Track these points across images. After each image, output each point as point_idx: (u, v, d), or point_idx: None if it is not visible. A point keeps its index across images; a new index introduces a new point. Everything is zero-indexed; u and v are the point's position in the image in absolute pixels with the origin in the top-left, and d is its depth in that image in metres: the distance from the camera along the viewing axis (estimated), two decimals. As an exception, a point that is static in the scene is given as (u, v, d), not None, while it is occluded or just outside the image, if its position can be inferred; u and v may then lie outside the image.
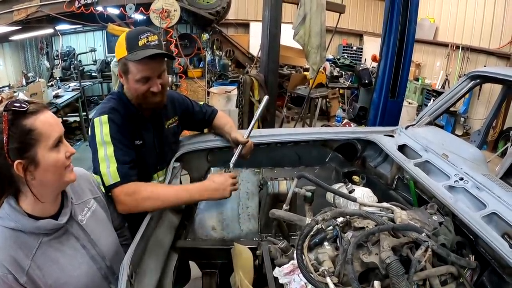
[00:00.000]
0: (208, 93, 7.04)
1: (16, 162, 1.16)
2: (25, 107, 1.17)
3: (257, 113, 2.15)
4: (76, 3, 6.12)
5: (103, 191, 1.70)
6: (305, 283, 1.29)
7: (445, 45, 9.60)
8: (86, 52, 10.19)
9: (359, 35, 13.56)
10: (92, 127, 1.76)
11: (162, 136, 2.03)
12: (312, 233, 1.34)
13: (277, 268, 1.43)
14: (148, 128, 1.94)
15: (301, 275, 1.28)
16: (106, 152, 1.70)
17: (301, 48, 5.66)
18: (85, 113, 8.06)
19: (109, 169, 1.68)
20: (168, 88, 2.03)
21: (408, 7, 3.78)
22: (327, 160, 2.53)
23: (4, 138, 1.14)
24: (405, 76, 3.91)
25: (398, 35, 3.77)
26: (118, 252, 1.59)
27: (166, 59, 1.84)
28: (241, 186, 2.24)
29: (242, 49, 9.35)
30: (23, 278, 1.22)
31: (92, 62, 10.95)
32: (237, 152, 2.08)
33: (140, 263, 1.52)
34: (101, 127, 1.74)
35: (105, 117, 1.75)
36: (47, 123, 1.22)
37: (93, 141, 1.75)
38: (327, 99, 8.68)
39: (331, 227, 1.35)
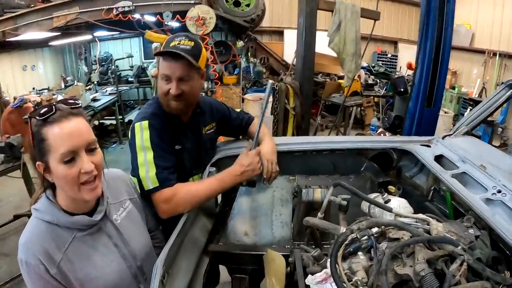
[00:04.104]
0: (243, 99, 7.11)
1: (38, 162, 1.25)
2: (44, 116, 1.20)
3: (264, 101, 2.07)
4: (114, 10, 6.31)
5: (142, 196, 1.75)
6: None
7: (482, 52, 9.37)
8: (123, 58, 10.47)
9: (394, 42, 13.37)
10: (133, 131, 1.81)
11: (200, 141, 2.07)
12: (346, 242, 1.33)
13: (309, 276, 1.41)
14: (186, 134, 1.97)
15: (333, 284, 1.26)
16: (146, 157, 1.74)
17: (335, 55, 5.65)
18: (121, 117, 8.31)
19: (148, 174, 1.72)
20: (203, 94, 2.08)
21: (444, 13, 3.72)
22: (362, 169, 2.50)
23: (30, 139, 1.24)
24: (441, 84, 3.84)
25: (435, 42, 3.70)
26: (149, 254, 1.63)
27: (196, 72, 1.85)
28: (275, 193, 2.28)
29: (276, 56, 9.41)
30: (54, 269, 1.27)
31: (129, 68, 11.24)
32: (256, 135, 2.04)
33: (173, 264, 1.55)
34: (142, 133, 1.78)
35: (145, 123, 1.80)
36: (58, 136, 1.21)
37: (133, 145, 1.80)
38: (362, 108, 8.59)
39: (366, 237, 1.34)
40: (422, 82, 3.84)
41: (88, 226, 1.37)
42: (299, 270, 1.50)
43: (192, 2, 6.12)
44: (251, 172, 1.87)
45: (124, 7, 6.25)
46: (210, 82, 6.70)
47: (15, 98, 8.12)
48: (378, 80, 9.65)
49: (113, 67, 10.05)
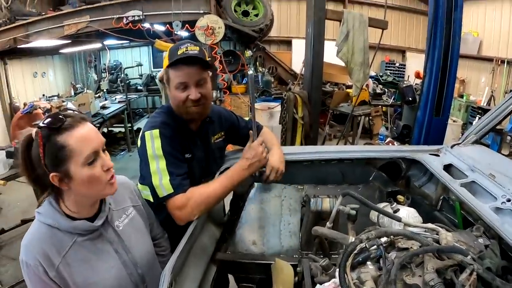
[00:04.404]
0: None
1: (52, 174, 1.26)
2: (58, 124, 1.24)
3: (250, 92, 2.08)
4: (124, 19, 6.42)
5: (152, 201, 1.78)
6: None
7: (489, 59, 9.38)
8: (132, 67, 10.67)
9: (402, 51, 13.38)
10: (143, 140, 1.83)
11: (208, 150, 2.09)
12: (355, 251, 1.33)
13: (318, 285, 1.42)
14: (196, 143, 2.00)
15: None
16: (159, 166, 1.76)
17: (344, 65, 5.68)
18: (130, 125, 8.41)
19: (162, 181, 1.73)
20: (212, 103, 2.10)
21: (451, 21, 3.72)
22: (370, 178, 2.50)
23: (41, 152, 1.24)
24: (450, 93, 3.82)
25: (443, 50, 3.69)
26: (151, 262, 1.66)
27: (209, 73, 1.91)
28: (284, 202, 2.27)
29: (284, 66, 9.48)
30: (53, 272, 1.30)
31: (138, 76, 11.37)
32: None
33: (180, 272, 1.55)
34: (153, 141, 1.80)
35: (156, 131, 1.81)
36: (80, 140, 1.27)
37: (143, 154, 1.81)
38: (370, 117, 8.57)
39: (374, 247, 1.33)
40: (430, 91, 3.82)
41: (89, 231, 1.40)
42: (307, 280, 1.50)
43: (201, 12, 6.19)
44: (258, 163, 1.93)
45: (134, 16, 6.35)
46: (219, 91, 6.75)
47: (25, 104, 8.27)
48: (386, 90, 9.63)
49: (122, 75, 10.19)
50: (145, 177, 1.80)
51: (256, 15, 7.15)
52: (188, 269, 1.65)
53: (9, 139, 8.17)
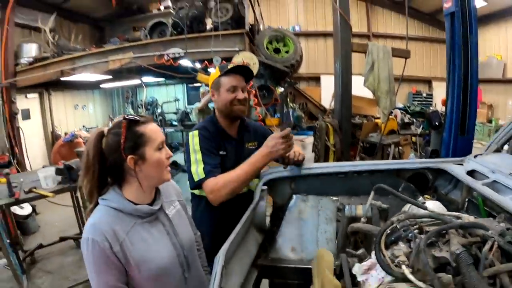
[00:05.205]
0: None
1: (129, 157, 1.55)
2: (138, 119, 1.59)
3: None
4: (166, 56, 6.85)
5: (191, 188, 2.33)
6: (382, 278, 1.38)
7: (515, 81, 9.17)
8: (170, 102, 11.23)
9: (428, 81, 13.49)
10: (187, 139, 2.40)
11: (242, 152, 2.48)
12: (388, 231, 1.48)
13: (356, 264, 1.54)
14: (231, 143, 2.44)
15: (378, 271, 1.40)
16: (196, 157, 2.27)
17: (371, 97, 5.86)
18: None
19: (198, 169, 2.23)
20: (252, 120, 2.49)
21: (468, 44, 3.90)
22: (400, 189, 2.58)
23: (122, 138, 1.54)
24: (473, 111, 3.94)
25: (462, 70, 3.86)
26: (193, 249, 1.91)
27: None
28: (320, 212, 2.43)
29: (314, 101, 9.70)
30: (117, 247, 1.49)
31: (174, 112, 11.78)
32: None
33: (229, 262, 1.69)
34: (193, 139, 2.34)
35: (196, 132, 2.36)
36: (153, 131, 1.62)
37: (187, 149, 2.36)
38: (399, 146, 8.61)
39: (404, 228, 1.47)
40: (454, 111, 3.95)
41: (148, 214, 1.65)
42: (346, 271, 1.58)
43: (237, 49, 6.59)
44: (276, 152, 2.22)
45: (175, 53, 6.78)
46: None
47: (66, 133, 8.82)
48: (414, 120, 9.66)
49: (160, 109, 10.66)
50: (187, 167, 2.30)
51: (287, 52, 7.42)
52: (235, 262, 1.80)
53: (48, 163, 8.72)
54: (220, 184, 2.17)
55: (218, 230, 2.22)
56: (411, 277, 1.25)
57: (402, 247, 1.44)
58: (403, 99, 13.12)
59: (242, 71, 2.41)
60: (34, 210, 6.39)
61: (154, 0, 11.49)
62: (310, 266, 1.86)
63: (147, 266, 1.57)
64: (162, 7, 11.06)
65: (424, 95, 13.18)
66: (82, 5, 10.63)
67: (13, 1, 7.60)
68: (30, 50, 8.42)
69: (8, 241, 4.35)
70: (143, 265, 1.57)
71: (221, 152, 2.40)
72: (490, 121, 9.72)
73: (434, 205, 1.88)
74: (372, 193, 1.92)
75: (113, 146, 1.56)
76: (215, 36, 6.63)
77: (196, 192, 2.46)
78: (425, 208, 1.71)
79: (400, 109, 9.67)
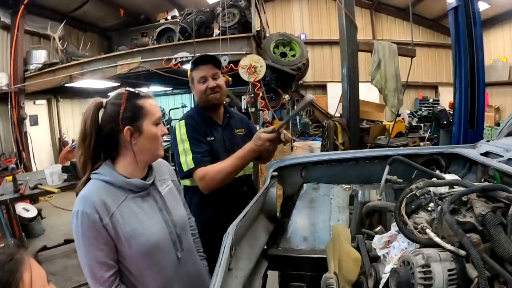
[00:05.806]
0: (292, 147, 7.35)
1: (126, 127, 1.54)
2: (138, 92, 1.63)
3: (295, 109, 2.37)
4: (173, 60, 6.90)
5: (180, 178, 2.26)
6: (405, 248, 1.30)
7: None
8: (177, 108, 11.39)
9: (435, 87, 13.50)
10: (174, 129, 2.41)
11: (231, 136, 2.51)
12: (407, 197, 1.40)
13: (376, 236, 1.47)
14: (217, 129, 2.49)
15: (400, 241, 1.33)
16: (184, 147, 2.27)
17: (378, 102, 5.83)
18: (173, 163, 8.65)
19: (187, 159, 2.24)
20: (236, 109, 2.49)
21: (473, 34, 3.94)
22: (413, 176, 2.51)
23: (122, 108, 1.55)
24: (481, 104, 3.94)
25: (469, 62, 3.88)
26: (186, 227, 1.86)
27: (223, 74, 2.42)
28: (332, 201, 2.41)
29: (321, 109, 9.69)
30: (107, 219, 1.46)
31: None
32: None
33: (238, 244, 1.60)
34: (180, 129, 2.34)
35: (182, 122, 2.37)
36: (152, 105, 1.63)
37: (174, 139, 2.35)
38: (408, 149, 8.54)
39: (424, 196, 1.42)
40: (462, 104, 3.96)
41: (140, 189, 1.62)
42: (363, 251, 1.52)
43: (244, 52, 6.61)
44: (261, 148, 2.15)
45: (182, 57, 6.82)
46: (262, 126, 7.00)
47: (73, 140, 8.88)
48: (422, 125, 9.66)
49: (168, 116, 10.74)
50: (176, 159, 2.32)
51: (293, 56, 7.46)
52: (245, 246, 1.71)
53: (55, 168, 8.78)
54: (211, 174, 2.18)
55: (218, 218, 2.20)
56: (438, 239, 1.18)
57: (423, 215, 1.39)
58: (410, 105, 13.09)
59: (209, 60, 2.44)
60: (39, 213, 6.42)
61: (161, 10, 11.66)
62: (323, 256, 1.80)
63: (137, 241, 1.54)
64: (169, 17, 11.20)
65: (431, 100, 13.12)
66: (91, 14, 10.81)
67: (23, 8, 7.74)
68: (39, 56, 8.56)
69: (12, 241, 4.40)
70: (134, 239, 1.53)
71: (209, 138, 2.41)
72: (498, 124, 9.61)
73: (450, 176, 1.84)
74: (388, 167, 1.86)
75: (112, 116, 1.56)
76: (222, 40, 6.65)
77: (188, 183, 2.41)
78: (443, 178, 1.67)
79: (407, 114, 9.70)
